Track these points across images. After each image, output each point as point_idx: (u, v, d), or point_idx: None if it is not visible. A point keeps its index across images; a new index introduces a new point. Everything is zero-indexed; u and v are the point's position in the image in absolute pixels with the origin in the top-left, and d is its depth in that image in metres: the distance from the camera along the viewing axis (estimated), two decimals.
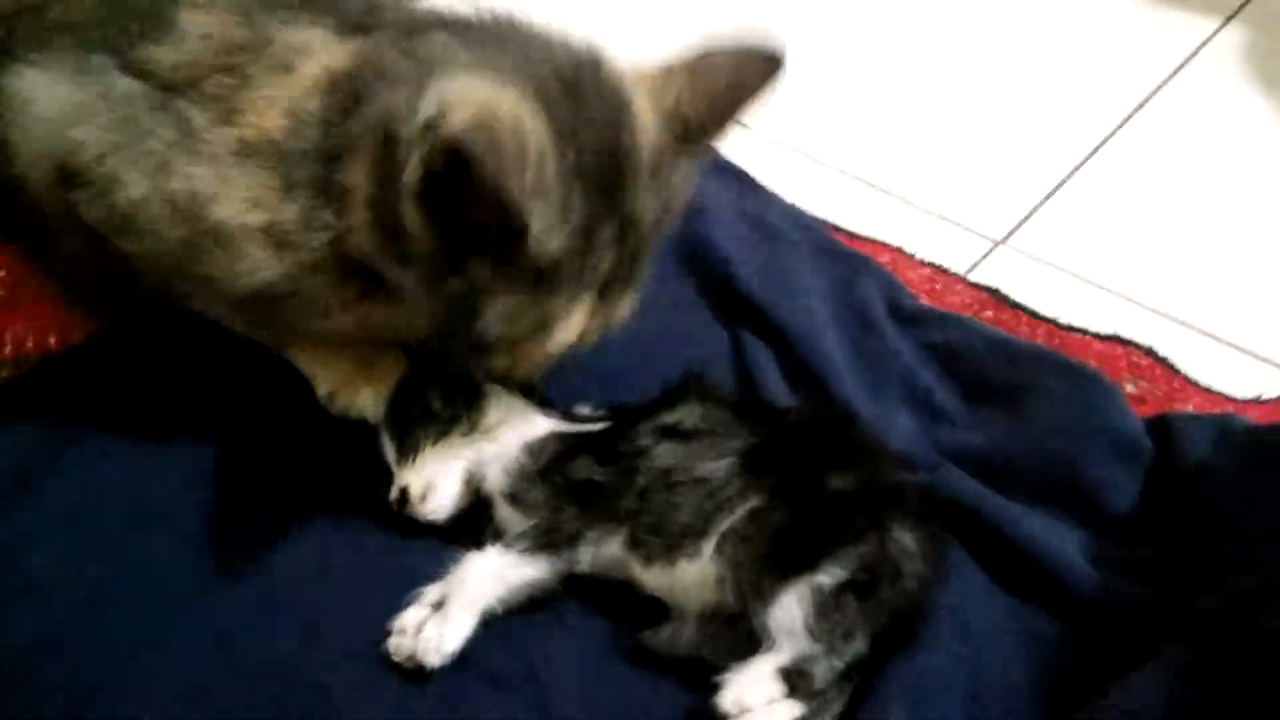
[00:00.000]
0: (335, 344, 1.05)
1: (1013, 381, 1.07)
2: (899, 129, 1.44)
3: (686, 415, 0.94)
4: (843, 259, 1.21)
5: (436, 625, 0.86)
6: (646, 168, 0.83)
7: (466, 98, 0.73)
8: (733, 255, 1.18)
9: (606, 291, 0.84)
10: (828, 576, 0.82)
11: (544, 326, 0.83)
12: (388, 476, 0.97)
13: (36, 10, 0.93)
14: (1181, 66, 1.50)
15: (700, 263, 1.19)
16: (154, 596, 0.93)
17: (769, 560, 0.84)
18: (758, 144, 1.39)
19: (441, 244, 0.79)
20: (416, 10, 0.94)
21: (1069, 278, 1.25)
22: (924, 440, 1.05)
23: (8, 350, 1.12)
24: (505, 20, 0.87)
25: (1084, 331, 1.16)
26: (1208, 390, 1.11)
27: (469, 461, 0.95)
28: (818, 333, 1.11)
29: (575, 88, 0.81)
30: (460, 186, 0.73)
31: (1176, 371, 1.12)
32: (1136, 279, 1.24)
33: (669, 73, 0.86)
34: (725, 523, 0.86)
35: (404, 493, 0.94)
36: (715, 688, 0.81)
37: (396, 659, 0.87)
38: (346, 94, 0.85)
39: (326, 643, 0.90)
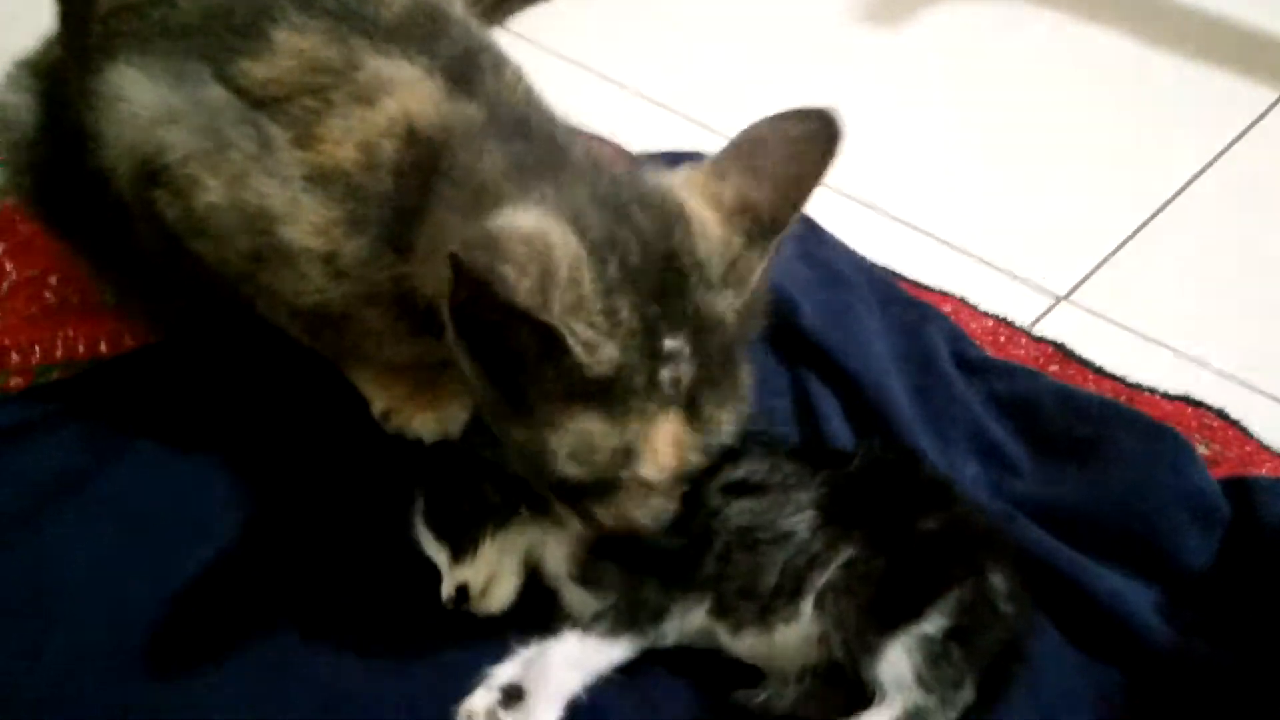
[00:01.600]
0: (395, 364, 1.03)
1: (1083, 435, 1.04)
2: (961, 182, 1.43)
3: (754, 468, 0.89)
4: (907, 306, 1.19)
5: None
6: (715, 269, 0.80)
7: (479, 229, 0.72)
8: (796, 298, 1.16)
9: (696, 406, 0.79)
10: (932, 625, 0.80)
11: (627, 455, 0.77)
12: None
13: (137, 9, 0.94)
14: (1250, 128, 1.50)
15: None
16: (195, 616, 0.91)
17: (872, 612, 0.80)
18: (821, 194, 1.37)
19: (496, 386, 0.77)
20: (504, 80, 0.92)
21: (1132, 336, 1.23)
22: (992, 491, 1.02)
23: (58, 353, 1.11)
24: (559, 136, 0.87)
25: (1152, 391, 1.14)
26: None
27: (528, 547, 0.89)
28: (883, 378, 1.09)
29: (615, 203, 0.79)
30: (486, 311, 0.72)
31: (1250, 435, 1.09)
32: (1203, 341, 1.22)
33: (720, 167, 0.83)
34: (822, 578, 0.83)
35: (462, 590, 0.88)
36: None
37: None
38: (425, 158, 0.85)
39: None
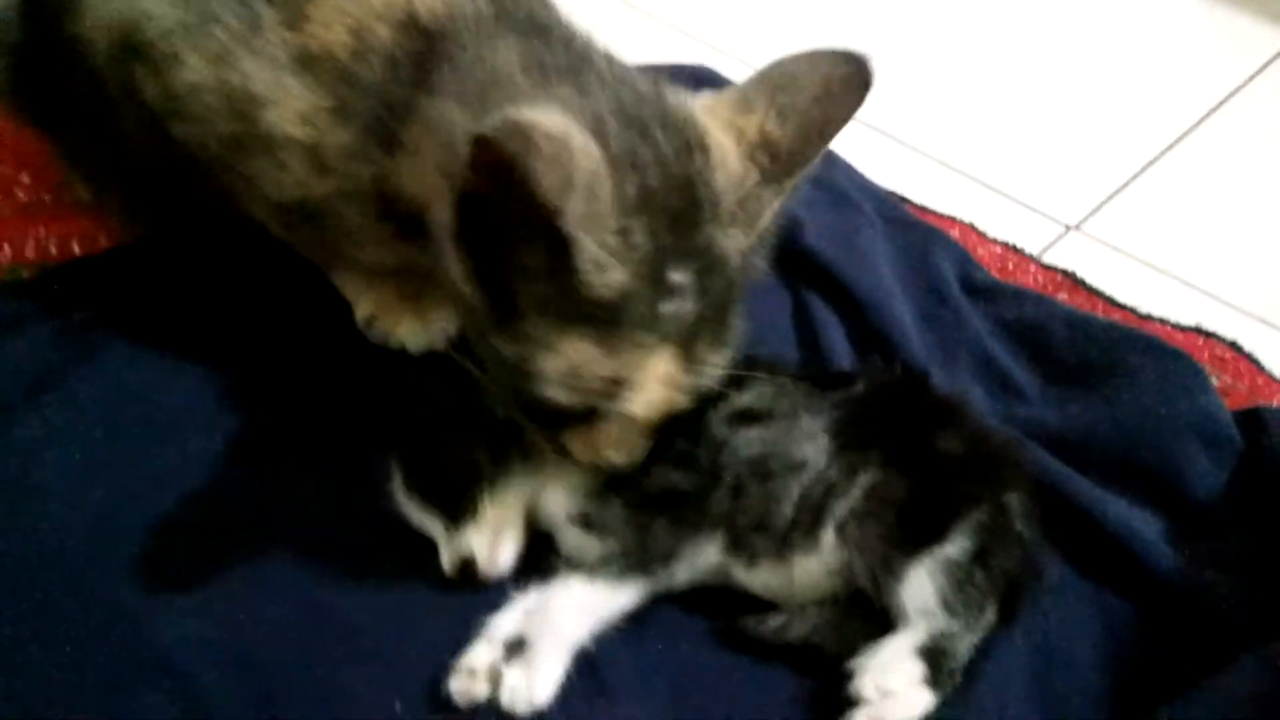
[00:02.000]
0: (380, 269, 0.99)
1: (1093, 360, 1.01)
2: (973, 108, 1.41)
3: (756, 396, 0.85)
4: (913, 228, 1.16)
5: (522, 673, 0.75)
6: (729, 203, 0.75)
7: (509, 116, 0.67)
8: (799, 215, 1.12)
9: (692, 347, 0.75)
10: (955, 547, 0.77)
11: (618, 385, 0.73)
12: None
13: None
14: (1267, 64, 1.48)
15: None
16: (170, 517, 0.87)
17: (896, 537, 0.77)
18: None
19: (487, 293, 0.72)
20: None
21: (1144, 267, 1.21)
22: (998, 417, 0.99)
23: (30, 252, 1.07)
24: (578, 42, 0.80)
25: (1163, 321, 1.12)
26: None
27: (527, 496, 0.83)
28: (888, 301, 1.06)
29: (638, 120, 0.74)
30: (500, 206, 0.66)
31: (1261, 368, 1.07)
32: (1215, 274, 1.20)
33: (746, 98, 0.78)
34: (842, 506, 0.79)
35: (468, 561, 0.81)
36: (837, 672, 0.76)
37: (461, 702, 0.75)
38: (422, 48, 0.80)
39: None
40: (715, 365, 0.77)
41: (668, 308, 0.73)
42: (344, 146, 0.82)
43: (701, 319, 0.75)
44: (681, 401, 0.77)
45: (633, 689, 0.78)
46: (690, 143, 0.75)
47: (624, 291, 0.70)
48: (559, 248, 0.68)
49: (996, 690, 0.79)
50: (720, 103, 0.79)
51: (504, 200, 0.67)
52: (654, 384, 0.74)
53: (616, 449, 0.78)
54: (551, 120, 0.67)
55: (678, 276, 0.73)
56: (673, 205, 0.72)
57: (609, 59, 0.80)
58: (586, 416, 0.76)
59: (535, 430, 0.79)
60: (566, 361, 0.72)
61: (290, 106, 0.82)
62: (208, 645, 0.79)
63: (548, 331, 0.72)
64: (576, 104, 0.73)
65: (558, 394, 0.74)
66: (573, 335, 0.72)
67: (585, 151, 0.67)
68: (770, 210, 0.78)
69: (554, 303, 0.71)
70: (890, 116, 1.35)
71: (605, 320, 0.71)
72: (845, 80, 0.78)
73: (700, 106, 0.78)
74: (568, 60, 0.78)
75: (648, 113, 0.75)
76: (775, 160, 0.77)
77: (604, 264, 0.69)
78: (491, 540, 0.81)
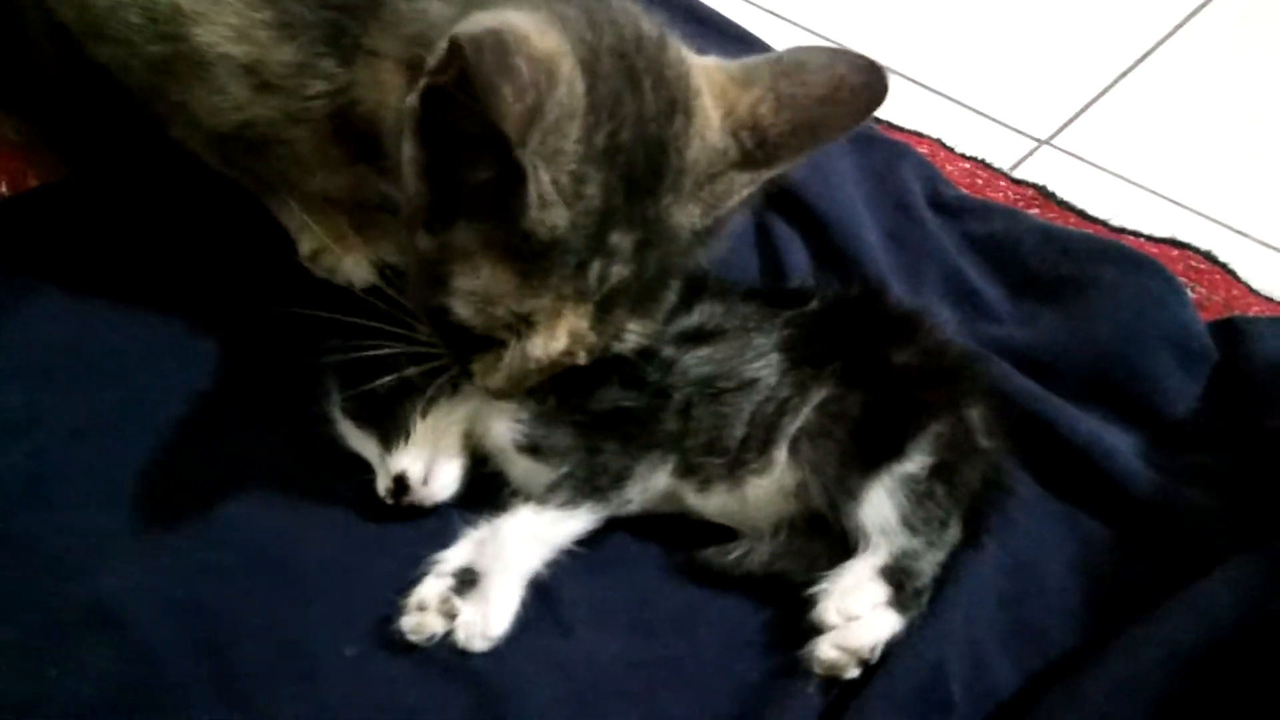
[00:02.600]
0: (325, 198, 0.94)
1: (1065, 274, 0.99)
2: (940, 21, 1.37)
3: (706, 315, 0.83)
4: (879, 145, 1.13)
5: (476, 607, 0.73)
6: (696, 176, 0.73)
7: (498, 18, 0.63)
8: None
9: (610, 309, 0.73)
10: (914, 463, 0.75)
11: (522, 324, 0.72)
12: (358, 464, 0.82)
13: None
14: None
15: None
16: (108, 463, 0.83)
17: (851, 454, 0.75)
18: (791, 32, 1.31)
19: (430, 191, 0.69)
20: None
21: (1117, 180, 1.18)
22: (966, 336, 0.96)
23: None
24: None
25: (1136, 234, 1.09)
26: (1269, 300, 1.04)
27: (466, 422, 0.81)
28: (852, 218, 1.03)
29: (633, 67, 0.70)
30: (463, 112, 0.63)
31: (1237, 278, 1.05)
32: (1190, 185, 1.18)
33: (748, 73, 0.75)
34: (794, 424, 0.77)
35: (400, 480, 0.79)
36: (799, 599, 0.74)
37: (415, 639, 0.73)
38: None
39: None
40: (632, 334, 0.75)
41: (595, 266, 0.70)
42: (289, 63, 0.77)
43: (628, 287, 0.72)
44: (582, 359, 0.74)
45: (591, 624, 0.77)
46: (676, 104, 0.72)
47: (560, 237, 0.68)
48: (511, 171, 0.65)
49: (965, 610, 0.77)
50: (719, 69, 0.75)
51: (468, 109, 0.63)
52: (560, 334, 0.72)
53: (504, 382, 0.75)
54: (545, 42, 0.64)
55: (618, 239, 0.70)
56: (637, 167, 0.70)
57: None
58: (486, 342, 0.74)
59: (445, 347, 0.77)
60: (480, 283, 0.71)
61: (223, 21, 0.77)
62: (149, 593, 0.76)
63: (473, 247, 0.70)
64: (578, 31, 0.69)
65: (463, 311, 0.72)
66: (495, 260, 0.70)
67: (569, 85, 0.64)
68: (738, 196, 0.74)
69: (489, 222, 0.69)
70: (856, 31, 1.31)
71: (531, 257, 0.69)
72: (856, 89, 0.74)
73: (698, 67, 0.75)
74: None
75: (644, 62, 0.71)
76: (759, 146, 0.73)
77: (550, 202, 0.67)
78: (425, 461, 0.79)
